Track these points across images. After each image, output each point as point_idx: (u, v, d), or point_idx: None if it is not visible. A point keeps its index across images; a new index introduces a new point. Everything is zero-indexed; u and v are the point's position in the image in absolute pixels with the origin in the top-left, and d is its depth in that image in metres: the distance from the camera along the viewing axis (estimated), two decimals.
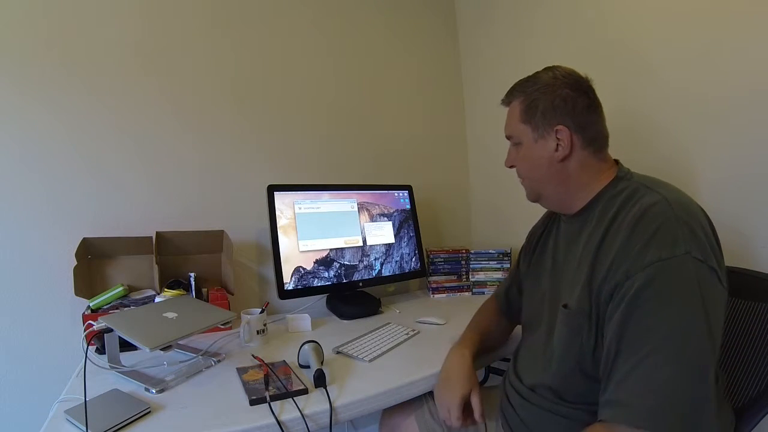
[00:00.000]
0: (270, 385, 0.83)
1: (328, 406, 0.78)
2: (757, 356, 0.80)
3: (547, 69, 0.81)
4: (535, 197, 0.85)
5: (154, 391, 0.84)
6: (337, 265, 1.40)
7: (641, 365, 0.58)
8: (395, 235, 1.55)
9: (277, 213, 1.32)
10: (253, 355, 1.00)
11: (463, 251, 1.63)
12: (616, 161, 0.80)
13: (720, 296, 0.60)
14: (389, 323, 1.25)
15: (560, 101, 0.75)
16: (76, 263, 1.11)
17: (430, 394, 0.95)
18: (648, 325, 0.58)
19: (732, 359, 0.84)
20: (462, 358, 0.90)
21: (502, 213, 1.82)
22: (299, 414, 0.76)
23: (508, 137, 0.85)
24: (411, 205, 1.63)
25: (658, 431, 0.56)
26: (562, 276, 0.79)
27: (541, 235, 0.93)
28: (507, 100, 0.85)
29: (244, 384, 0.85)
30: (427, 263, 1.64)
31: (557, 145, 0.75)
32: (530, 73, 0.85)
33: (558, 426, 0.73)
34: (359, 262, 1.45)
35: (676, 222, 0.60)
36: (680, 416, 0.55)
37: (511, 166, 0.87)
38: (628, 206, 0.67)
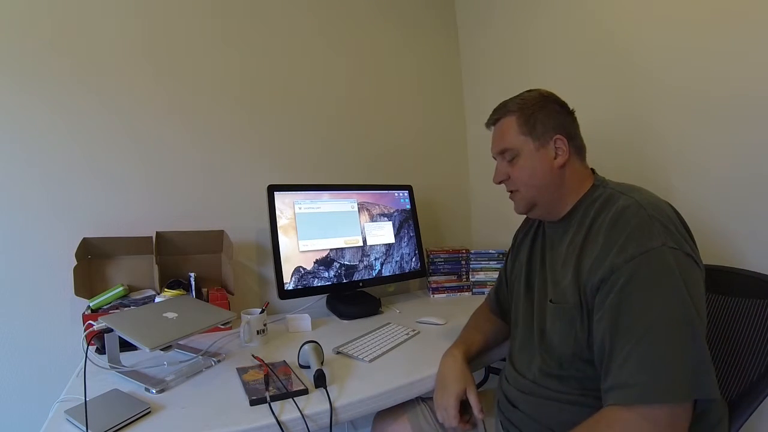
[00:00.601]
0: (270, 385, 0.83)
1: (328, 406, 0.78)
2: (745, 351, 0.83)
3: (530, 90, 0.88)
4: (528, 208, 0.87)
5: (154, 391, 0.84)
6: (337, 265, 1.40)
7: (638, 346, 0.62)
8: (395, 235, 1.55)
9: (277, 213, 1.32)
10: (253, 355, 1.00)
11: (463, 251, 1.63)
12: (592, 170, 0.87)
13: (698, 276, 0.66)
14: (389, 323, 1.25)
15: (555, 114, 0.83)
16: (76, 263, 1.11)
17: (423, 399, 0.98)
18: (638, 311, 0.63)
19: (721, 355, 0.87)
20: (452, 358, 0.92)
21: (502, 213, 1.81)
22: (299, 414, 0.76)
23: (501, 152, 0.87)
24: (411, 205, 1.63)
25: (666, 401, 0.59)
26: (547, 275, 0.84)
27: (523, 238, 0.99)
28: (496, 117, 0.89)
29: (244, 384, 0.85)
30: (427, 263, 1.64)
31: (556, 153, 0.82)
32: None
33: (564, 413, 0.75)
34: (359, 262, 1.45)
35: (649, 219, 0.67)
36: (684, 382, 0.59)
37: (500, 182, 0.90)
38: (605, 210, 0.74)
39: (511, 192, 0.89)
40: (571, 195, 0.82)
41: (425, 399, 0.99)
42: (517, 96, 0.87)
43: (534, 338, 0.83)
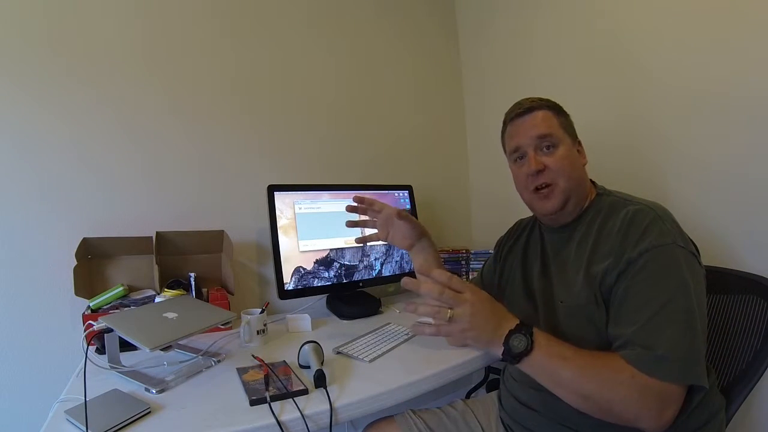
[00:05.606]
0: (270, 386, 0.83)
1: (328, 406, 0.78)
2: (736, 342, 0.92)
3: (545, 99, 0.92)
4: (563, 202, 0.84)
5: (154, 391, 0.84)
6: (338, 265, 1.40)
7: (648, 324, 0.68)
8: None
9: (277, 213, 1.31)
10: (253, 355, 1.00)
11: (464, 251, 1.64)
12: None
13: (700, 273, 0.73)
14: (389, 323, 1.24)
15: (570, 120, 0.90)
16: (76, 263, 1.11)
17: (413, 411, 1.00)
18: (650, 291, 0.69)
19: (715, 346, 0.95)
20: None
21: (503, 213, 1.81)
22: (299, 414, 0.75)
23: (542, 137, 0.84)
24: (411, 205, 1.63)
25: (657, 377, 0.65)
26: (554, 278, 0.88)
27: (512, 246, 1.03)
28: (529, 107, 0.87)
29: (244, 384, 0.85)
30: None
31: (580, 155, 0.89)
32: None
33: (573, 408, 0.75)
34: (359, 262, 1.45)
35: (660, 220, 0.74)
36: (675, 367, 0.65)
37: (538, 171, 0.84)
38: (613, 215, 0.79)
39: (544, 187, 0.84)
40: (584, 198, 0.86)
41: (416, 411, 0.99)
42: (544, 98, 0.90)
43: None
